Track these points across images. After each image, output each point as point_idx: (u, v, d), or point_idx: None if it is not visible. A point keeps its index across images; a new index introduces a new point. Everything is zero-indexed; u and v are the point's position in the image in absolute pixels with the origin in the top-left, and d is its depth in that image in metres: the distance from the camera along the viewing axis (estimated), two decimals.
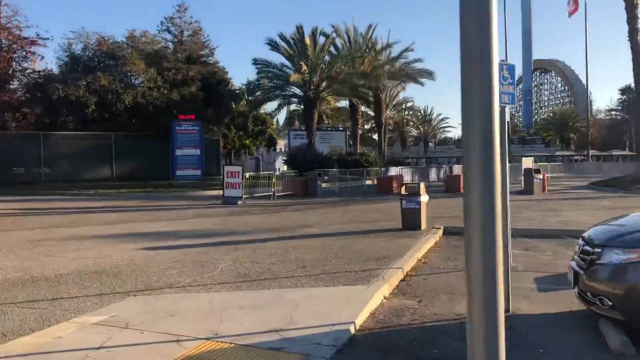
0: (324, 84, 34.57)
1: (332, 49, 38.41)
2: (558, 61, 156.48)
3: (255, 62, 34.61)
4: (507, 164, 7.93)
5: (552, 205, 18.09)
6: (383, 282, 7.10)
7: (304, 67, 32.56)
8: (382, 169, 33.40)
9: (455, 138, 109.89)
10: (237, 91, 49.36)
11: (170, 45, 35.01)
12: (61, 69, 31.54)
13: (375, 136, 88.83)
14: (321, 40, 36.67)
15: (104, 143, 30.14)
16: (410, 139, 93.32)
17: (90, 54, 31.49)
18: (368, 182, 32.05)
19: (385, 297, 6.77)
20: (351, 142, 52.75)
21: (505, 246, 6.43)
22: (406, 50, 43.04)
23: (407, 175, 29.99)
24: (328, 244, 10.61)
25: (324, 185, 26.53)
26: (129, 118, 31.15)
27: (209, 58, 37.48)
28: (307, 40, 34.19)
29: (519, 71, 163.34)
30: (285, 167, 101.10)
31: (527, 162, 24.01)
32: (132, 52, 30.33)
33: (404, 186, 13.25)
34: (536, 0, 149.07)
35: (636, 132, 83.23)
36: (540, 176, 22.97)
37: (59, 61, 32.19)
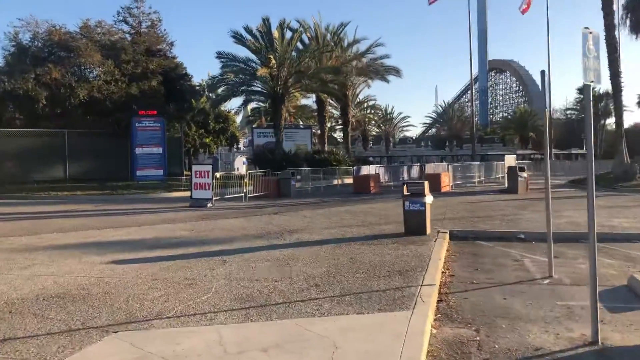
0: (292, 79, 33.01)
1: (298, 44, 36.98)
2: (513, 61, 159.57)
3: (220, 55, 32.81)
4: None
5: None
6: (426, 306, 5.75)
7: (272, 61, 30.96)
8: (354, 167, 32.12)
9: (415, 137, 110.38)
10: (197, 87, 47.41)
11: (128, 37, 32.70)
12: (7, 60, 28.88)
13: (337, 134, 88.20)
14: (288, 34, 35.18)
15: (57, 141, 27.72)
16: (370, 138, 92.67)
17: (39, 45, 28.93)
18: (334, 181, 30.81)
19: (432, 326, 5.44)
20: (316, 141, 51.58)
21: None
22: (373, 45, 42.01)
23: (383, 174, 28.77)
24: (330, 253, 9.20)
25: (296, 185, 25.06)
26: (85, 114, 28.80)
27: (168, 52, 35.34)
28: (275, 33, 32.61)
29: (474, 71, 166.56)
30: (244, 167, 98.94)
31: (510, 160, 23.19)
32: (87, 43, 28.02)
33: (405, 185, 11.97)
34: (491, 0, 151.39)
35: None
36: (525, 175, 22.18)
37: (4, 52, 29.50)
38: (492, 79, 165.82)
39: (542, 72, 7.70)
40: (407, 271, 7.56)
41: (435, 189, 23.24)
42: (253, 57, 33.73)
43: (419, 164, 41.15)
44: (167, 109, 30.15)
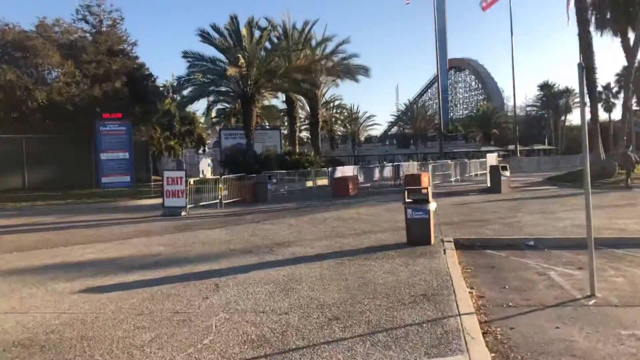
0: (262, 78, 31.80)
1: (267, 44, 35.79)
2: (471, 60, 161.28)
3: (186, 54, 31.34)
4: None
5: (539, 206, 16.54)
6: (480, 346, 4.81)
7: (242, 60, 29.70)
8: (329, 169, 31.18)
9: (379, 136, 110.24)
10: (162, 88, 45.78)
11: (89, 36, 30.91)
12: None
13: (303, 135, 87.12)
14: (257, 33, 33.94)
15: (13, 148, 25.87)
16: (336, 137, 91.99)
17: None
18: (308, 183, 29.85)
19: None
20: (285, 142, 50.45)
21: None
22: (342, 44, 41.14)
23: (360, 175, 27.88)
24: (335, 272, 8.20)
25: (272, 189, 23.95)
26: (44, 118, 27.00)
27: (131, 52, 33.67)
28: (244, 31, 31.36)
29: (434, 69, 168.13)
30: (209, 170, 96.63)
31: (492, 159, 22.61)
32: (44, 42, 26.27)
33: (406, 191, 11.06)
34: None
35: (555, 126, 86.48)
36: (508, 173, 21.63)
37: None
38: (452, 78, 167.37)
39: (580, 66, 6.87)
40: (433, 295, 6.62)
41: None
42: (221, 56, 32.44)
43: (391, 164, 40.49)
44: (132, 111, 28.61)
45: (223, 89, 33.22)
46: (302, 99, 46.90)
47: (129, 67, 29.96)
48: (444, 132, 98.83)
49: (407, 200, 10.61)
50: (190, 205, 18.55)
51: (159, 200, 20.09)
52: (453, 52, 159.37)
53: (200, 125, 52.52)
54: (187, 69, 31.91)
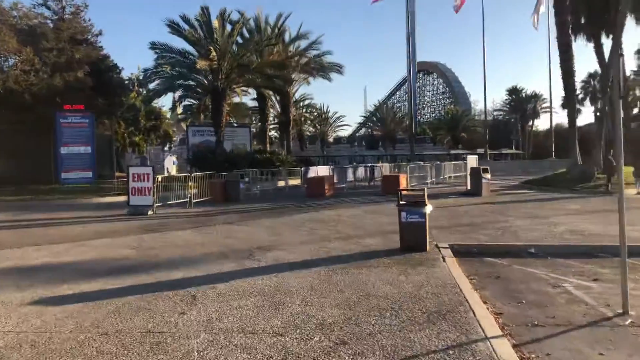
0: (234, 73, 30.62)
1: (238, 38, 34.58)
2: (439, 63, 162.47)
3: (154, 46, 29.94)
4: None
5: (527, 210, 15.94)
6: None
7: (213, 53, 28.49)
8: (303, 169, 30.24)
9: (347, 137, 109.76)
10: (127, 81, 44.09)
11: (50, 23, 29.17)
12: None
13: (271, 134, 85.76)
14: (229, 26, 32.72)
15: None
16: (305, 137, 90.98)
17: None
18: (280, 183, 28.88)
19: None
20: (253, 141, 49.32)
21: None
22: (316, 41, 40.24)
23: (335, 176, 27.03)
24: (328, 282, 7.28)
25: (241, 186, 22.83)
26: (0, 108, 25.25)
27: (95, 42, 32.02)
28: (216, 23, 30.13)
29: (402, 72, 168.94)
30: (174, 168, 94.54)
31: (472, 161, 22.05)
32: (0, 26, 24.53)
33: (400, 192, 10.17)
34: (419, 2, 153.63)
35: (521, 130, 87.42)
36: (488, 176, 21.08)
37: None
38: (420, 81, 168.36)
39: (619, 56, 6.11)
40: (448, 312, 5.76)
41: (392, 191, 21.83)
42: (191, 49, 31.16)
43: (364, 165, 39.89)
44: (95, 103, 27.05)
45: (192, 83, 31.88)
46: (273, 97, 45.82)
47: (93, 58, 28.39)
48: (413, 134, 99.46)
49: (401, 202, 9.74)
50: (157, 204, 17.36)
51: (123, 198, 18.86)
52: (421, 56, 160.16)
53: (167, 121, 50.82)
54: (155, 61, 30.55)
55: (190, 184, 19.24)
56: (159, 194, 17.83)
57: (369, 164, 36.69)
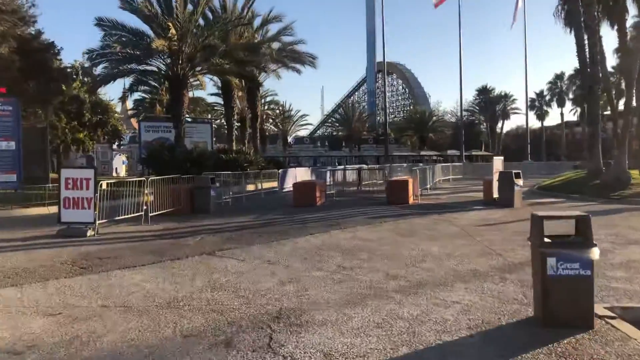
0: (198, 56, 25.71)
1: (200, 21, 29.60)
2: (399, 64, 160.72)
3: (101, 22, 24.72)
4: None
5: (623, 232, 11.84)
6: None
7: (172, 31, 23.56)
8: (280, 171, 25.72)
9: (307, 136, 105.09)
10: (69, 69, 38.40)
11: None
12: None
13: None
14: (189, 7, 27.75)
15: None
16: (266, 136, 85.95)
17: None
18: (249, 187, 24.35)
19: None
20: (215, 138, 44.39)
21: None
22: (287, 28, 35.54)
23: (315, 179, 22.66)
24: None
25: (213, 194, 18.06)
26: None
27: (27, 15, 26.42)
28: None
29: (362, 72, 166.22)
30: (124, 168, 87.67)
31: (499, 164, 17.98)
32: None
33: (540, 218, 5.76)
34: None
35: (491, 131, 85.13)
36: (521, 183, 17.11)
37: None
38: (380, 81, 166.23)
39: None
40: None
41: (402, 201, 17.67)
42: (147, 28, 26.09)
43: (343, 167, 35.65)
44: (24, 88, 21.69)
45: (147, 67, 26.72)
46: (237, 90, 40.89)
47: (24, 34, 23.02)
48: (376, 134, 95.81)
49: (545, 240, 5.41)
50: (101, 221, 12.49)
51: (56, 209, 13.86)
52: (381, 56, 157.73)
53: (116, 115, 45.13)
54: (102, 41, 25.29)
55: (145, 191, 14.38)
56: (104, 205, 12.88)
57: (356, 166, 32.45)
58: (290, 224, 13.57)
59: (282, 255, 9.32)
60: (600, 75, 22.66)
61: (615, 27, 27.30)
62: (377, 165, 36.09)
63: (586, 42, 23.12)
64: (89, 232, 11.93)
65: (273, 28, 36.49)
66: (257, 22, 35.98)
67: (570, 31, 33.80)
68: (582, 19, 23.30)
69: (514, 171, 17.07)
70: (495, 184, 17.42)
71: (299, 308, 6.02)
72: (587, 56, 23.18)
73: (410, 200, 18.31)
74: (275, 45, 36.87)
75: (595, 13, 23.16)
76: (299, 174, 26.28)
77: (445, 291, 6.67)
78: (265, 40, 34.27)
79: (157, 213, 14.77)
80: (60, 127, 36.43)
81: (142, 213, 14.07)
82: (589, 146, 24.09)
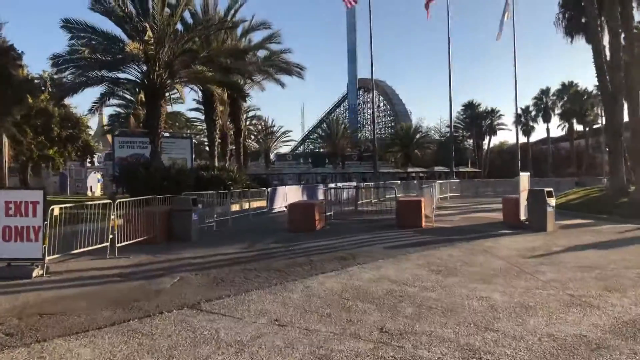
0: (177, 62, 23.07)
1: (179, 26, 27.05)
2: (380, 80, 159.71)
3: (68, 23, 22.02)
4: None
5: None
6: None
7: (149, 33, 20.99)
8: (269, 190, 23.14)
9: (289, 153, 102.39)
10: (37, 80, 35.51)
11: None
12: None
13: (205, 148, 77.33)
14: (167, 10, 25.21)
15: None
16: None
17: None
18: (235, 207, 21.71)
19: None
20: (194, 154, 41.62)
21: None
22: (274, 36, 33.14)
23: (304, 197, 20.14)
24: None
25: (194, 218, 15.34)
26: None
27: None
28: None
29: (343, 89, 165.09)
30: (99, 186, 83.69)
31: (525, 180, 15.64)
32: None
33: None
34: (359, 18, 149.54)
35: (477, 146, 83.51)
36: (553, 202, 14.80)
37: None
38: (361, 97, 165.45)
39: None
40: None
41: (414, 224, 15.24)
42: (120, 32, 23.42)
43: (335, 185, 33.27)
44: None
45: (120, 75, 23.94)
46: (217, 103, 38.27)
47: None
48: (359, 151, 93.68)
49: None
50: (53, 256, 9.77)
51: None
52: (362, 73, 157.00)
53: (87, 129, 42.09)
54: (69, 42, 22.51)
55: (113, 216, 11.66)
56: (58, 235, 10.12)
57: (352, 184, 29.98)
58: (291, 257, 10.99)
59: (293, 308, 6.75)
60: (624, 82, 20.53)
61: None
62: (370, 183, 33.62)
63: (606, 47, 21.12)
64: (36, 272, 9.23)
65: (257, 36, 34.22)
66: (240, 30, 33.68)
67: (572, 40, 32.32)
68: (599, 22, 21.36)
69: (545, 189, 14.72)
70: (523, 204, 15.05)
71: None
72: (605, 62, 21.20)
73: (423, 224, 15.87)
74: (261, 53, 34.61)
75: (618, 15, 21.11)
76: (290, 193, 23.76)
77: None
78: (250, 47, 31.81)
79: (126, 243, 12.09)
80: (26, 143, 33.41)
81: (108, 244, 11.36)
82: (611, 161, 21.91)
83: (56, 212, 9.87)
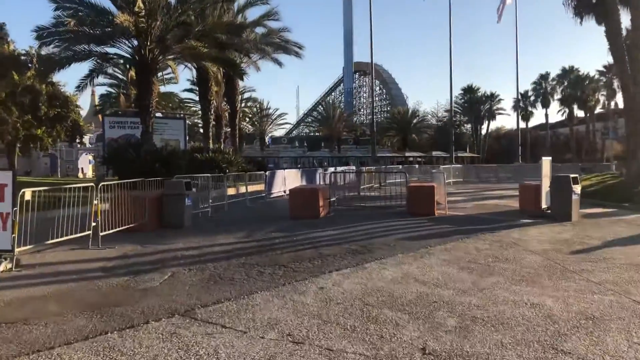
0: (170, 36, 21.62)
1: None
2: (376, 64, 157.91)
3: None
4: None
5: None
6: None
7: (140, 4, 19.51)
8: (267, 173, 21.90)
9: (283, 136, 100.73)
10: (23, 57, 33.95)
11: None
12: None
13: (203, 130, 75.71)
14: None
15: None
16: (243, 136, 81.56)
17: None
18: (231, 191, 20.44)
19: None
20: (187, 136, 40.36)
21: None
22: (272, 13, 31.67)
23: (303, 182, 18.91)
24: None
25: (188, 203, 14.06)
26: None
27: None
28: None
29: (339, 72, 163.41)
30: (91, 168, 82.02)
31: (548, 165, 14.41)
32: None
33: None
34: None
35: (475, 133, 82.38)
36: (579, 189, 13.63)
37: None
38: (357, 81, 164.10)
39: None
40: None
41: (426, 212, 14.06)
42: (109, 4, 21.97)
43: (333, 169, 32.04)
44: None
45: (110, 50, 22.45)
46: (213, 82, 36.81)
47: None
48: (355, 135, 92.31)
49: None
50: (24, 247, 8.51)
51: None
52: (358, 56, 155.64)
53: (76, 109, 40.55)
54: (54, 17, 21.01)
55: (96, 200, 10.36)
56: (31, 222, 8.83)
57: (353, 168, 28.76)
58: (296, 249, 9.77)
59: (308, 318, 5.53)
60: None
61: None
62: (372, 167, 32.38)
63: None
64: (3, 266, 7.97)
65: (255, 13, 32.72)
66: (236, 7, 32.15)
67: (581, 21, 30.94)
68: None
69: (571, 175, 13.54)
70: (545, 191, 13.86)
71: None
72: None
73: (436, 211, 14.69)
74: (259, 30, 33.13)
75: None
76: (289, 177, 22.52)
77: None
78: (247, 24, 30.31)
79: (112, 231, 10.82)
80: (12, 122, 31.93)
81: (90, 232, 10.09)
82: (631, 148, 20.69)
83: (28, 196, 8.58)
